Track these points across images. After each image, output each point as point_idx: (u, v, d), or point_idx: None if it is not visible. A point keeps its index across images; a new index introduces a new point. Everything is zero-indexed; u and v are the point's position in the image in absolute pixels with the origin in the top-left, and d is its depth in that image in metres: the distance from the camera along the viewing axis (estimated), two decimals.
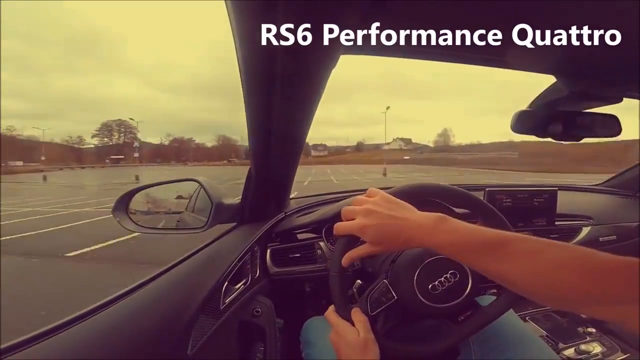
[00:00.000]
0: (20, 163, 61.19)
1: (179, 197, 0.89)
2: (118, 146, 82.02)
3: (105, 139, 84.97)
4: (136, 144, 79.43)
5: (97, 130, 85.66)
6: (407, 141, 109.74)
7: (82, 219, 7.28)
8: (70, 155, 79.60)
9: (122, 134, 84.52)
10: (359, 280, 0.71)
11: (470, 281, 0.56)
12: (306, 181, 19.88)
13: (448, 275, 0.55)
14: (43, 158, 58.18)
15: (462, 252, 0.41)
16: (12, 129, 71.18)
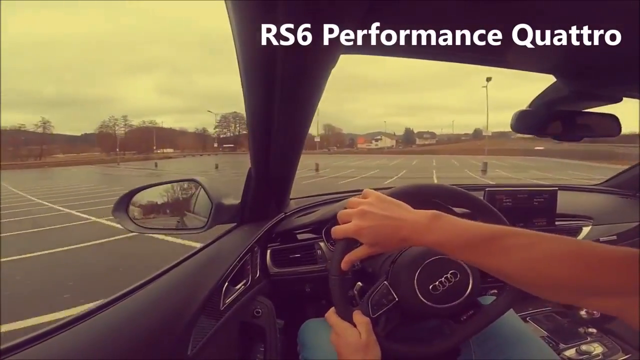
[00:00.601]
0: (170, 150, 78.19)
1: (179, 197, 0.89)
2: (235, 136, 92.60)
3: (225, 130, 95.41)
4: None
5: (217, 122, 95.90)
6: None
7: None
8: (198, 144, 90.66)
9: (237, 125, 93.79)
10: (359, 283, 0.71)
11: (471, 281, 0.56)
12: (358, 177, 15.40)
13: (449, 275, 0.55)
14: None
15: (457, 248, 0.41)
16: (154, 123, 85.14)
